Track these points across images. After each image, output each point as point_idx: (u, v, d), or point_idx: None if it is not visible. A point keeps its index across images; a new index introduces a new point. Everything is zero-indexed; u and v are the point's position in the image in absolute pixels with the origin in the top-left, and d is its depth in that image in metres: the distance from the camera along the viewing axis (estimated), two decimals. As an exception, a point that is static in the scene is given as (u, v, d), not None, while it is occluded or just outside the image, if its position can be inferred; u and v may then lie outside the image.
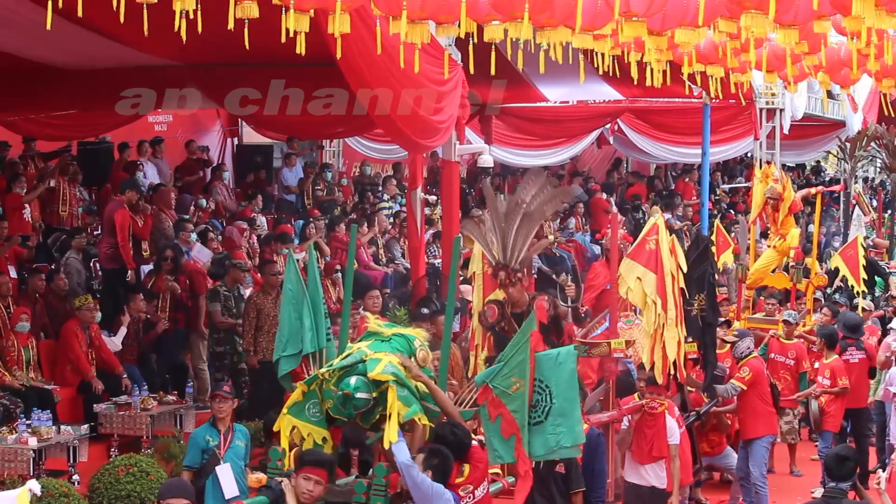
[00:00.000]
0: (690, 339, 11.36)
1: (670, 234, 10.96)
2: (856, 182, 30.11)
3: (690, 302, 11.46)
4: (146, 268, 15.50)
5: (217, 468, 9.66)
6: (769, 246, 16.58)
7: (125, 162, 18.38)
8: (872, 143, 25.75)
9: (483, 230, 10.15)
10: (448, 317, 8.94)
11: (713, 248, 13.03)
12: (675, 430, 10.69)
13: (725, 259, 16.90)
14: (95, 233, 16.57)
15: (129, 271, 15.00)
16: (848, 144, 26.47)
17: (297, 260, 9.38)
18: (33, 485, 4.49)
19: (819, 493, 12.59)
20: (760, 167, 17.81)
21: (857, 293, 16.85)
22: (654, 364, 10.54)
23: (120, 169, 18.05)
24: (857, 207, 26.76)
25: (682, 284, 10.90)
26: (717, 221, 18.14)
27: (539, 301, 10.01)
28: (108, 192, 17.25)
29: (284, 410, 7.99)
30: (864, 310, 16.69)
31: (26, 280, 14.31)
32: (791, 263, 16.28)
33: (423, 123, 12.73)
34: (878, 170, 29.21)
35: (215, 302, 14.22)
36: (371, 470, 8.00)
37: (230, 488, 9.49)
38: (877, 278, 20.39)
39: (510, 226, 9.93)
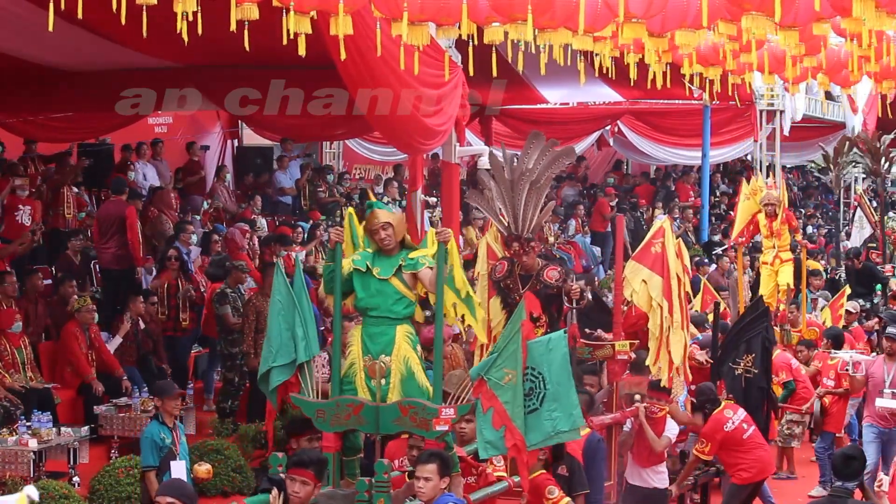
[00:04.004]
0: (729, 397, 11.48)
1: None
2: (856, 184, 30.09)
3: (737, 361, 11.63)
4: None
5: (172, 464, 9.85)
6: (763, 263, 16.06)
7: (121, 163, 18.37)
8: (854, 149, 25.56)
9: (491, 200, 10.16)
10: (438, 318, 8.76)
11: (770, 315, 12.96)
12: (674, 430, 10.70)
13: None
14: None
15: (139, 269, 14.98)
16: (832, 153, 26.29)
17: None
18: (31, 490, 4.45)
19: (816, 493, 12.63)
20: (760, 171, 17.41)
21: None
22: (659, 367, 10.54)
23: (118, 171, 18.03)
24: (858, 209, 26.73)
25: (688, 288, 10.90)
26: (703, 279, 17.16)
27: (548, 271, 10.04)
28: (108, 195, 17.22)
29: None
30: (849, 312, 16.60)
31: (25, 281, 14.25)
32: (778, 326, 15.62)
33: (420, 126, 12.70)
34: (863, 176, 29.05)
35: (225, 304, 14.20)
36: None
37: None
38: (876, 286, 20.39)
39: (518, 196, 9.95)
